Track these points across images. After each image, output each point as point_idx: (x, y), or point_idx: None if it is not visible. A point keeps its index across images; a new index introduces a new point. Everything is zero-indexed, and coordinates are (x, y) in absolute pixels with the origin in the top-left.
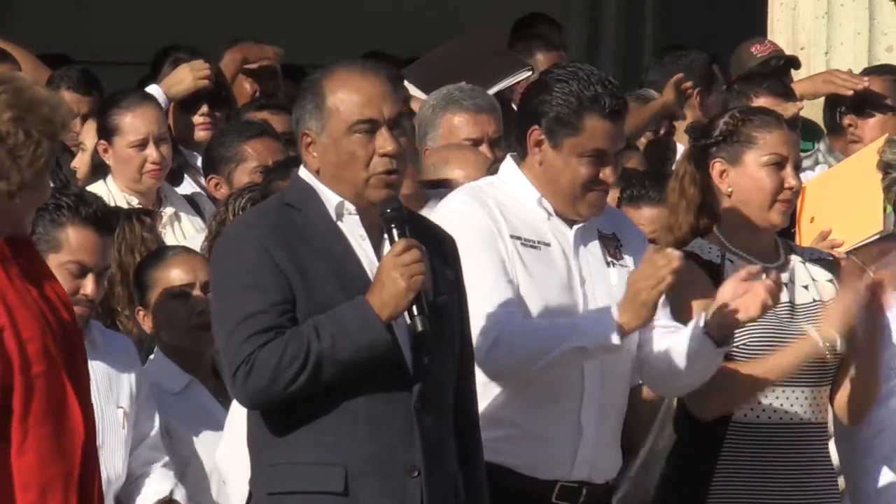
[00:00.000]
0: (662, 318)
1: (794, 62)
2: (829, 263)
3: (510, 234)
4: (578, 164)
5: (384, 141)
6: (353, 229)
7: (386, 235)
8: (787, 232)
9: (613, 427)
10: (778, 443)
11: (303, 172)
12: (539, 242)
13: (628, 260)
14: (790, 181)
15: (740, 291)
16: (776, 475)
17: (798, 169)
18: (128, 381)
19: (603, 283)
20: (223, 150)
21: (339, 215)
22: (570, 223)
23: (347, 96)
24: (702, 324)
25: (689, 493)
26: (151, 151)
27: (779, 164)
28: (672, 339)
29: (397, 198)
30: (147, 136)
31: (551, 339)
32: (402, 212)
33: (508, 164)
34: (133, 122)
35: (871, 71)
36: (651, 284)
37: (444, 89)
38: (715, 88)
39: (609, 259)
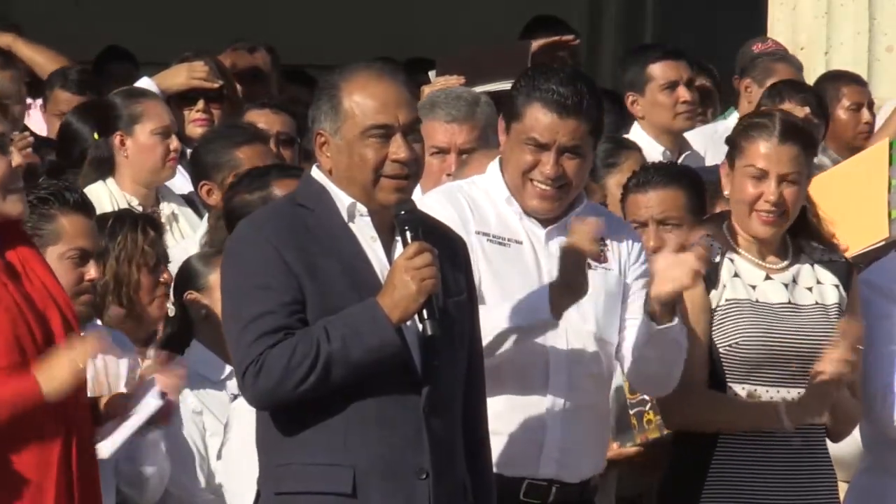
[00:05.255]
0: (637, 314)
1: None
2: (842, 266)
3: (476, 230)
4: (521, 151)
5: (398, 147)
6: (364, 231)
7: (399, 237)
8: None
9: (589, 427)
10: (771, 443)
11: (315, 172)
12: (510, 240)
13: (613, 263)
14: (768, 195)
15: (672, 263)
16: (770, 476)
17: (794, 182)
18: (124, 370)
19: None
20: (213, 156)
21: (351, 216)
22: (544, 223)
23: (363, 100)
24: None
25: (683, 492)
26: (174, 139)
27: (758, 177)
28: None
29: (411, 200)
30: (170, 125)
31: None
32: (415, 214)
33: (494, 163)
34: (156, 110)
35: None
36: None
37: (433, 93)
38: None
39: (588, 261)
